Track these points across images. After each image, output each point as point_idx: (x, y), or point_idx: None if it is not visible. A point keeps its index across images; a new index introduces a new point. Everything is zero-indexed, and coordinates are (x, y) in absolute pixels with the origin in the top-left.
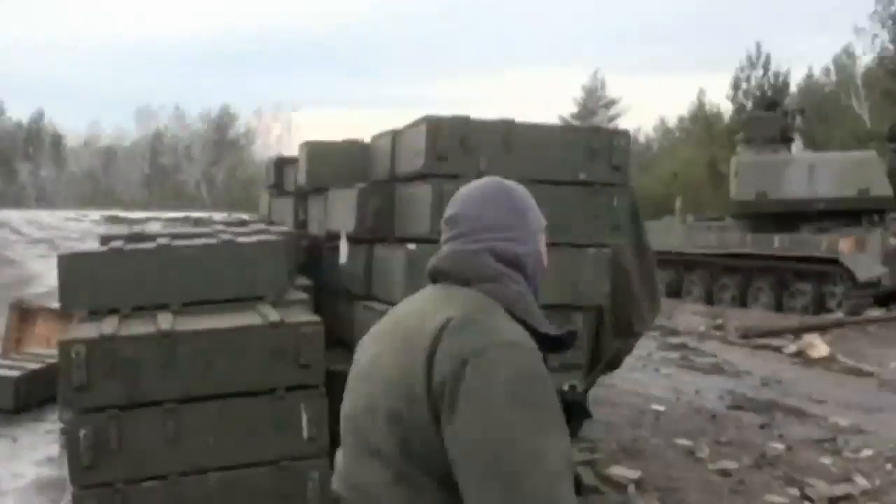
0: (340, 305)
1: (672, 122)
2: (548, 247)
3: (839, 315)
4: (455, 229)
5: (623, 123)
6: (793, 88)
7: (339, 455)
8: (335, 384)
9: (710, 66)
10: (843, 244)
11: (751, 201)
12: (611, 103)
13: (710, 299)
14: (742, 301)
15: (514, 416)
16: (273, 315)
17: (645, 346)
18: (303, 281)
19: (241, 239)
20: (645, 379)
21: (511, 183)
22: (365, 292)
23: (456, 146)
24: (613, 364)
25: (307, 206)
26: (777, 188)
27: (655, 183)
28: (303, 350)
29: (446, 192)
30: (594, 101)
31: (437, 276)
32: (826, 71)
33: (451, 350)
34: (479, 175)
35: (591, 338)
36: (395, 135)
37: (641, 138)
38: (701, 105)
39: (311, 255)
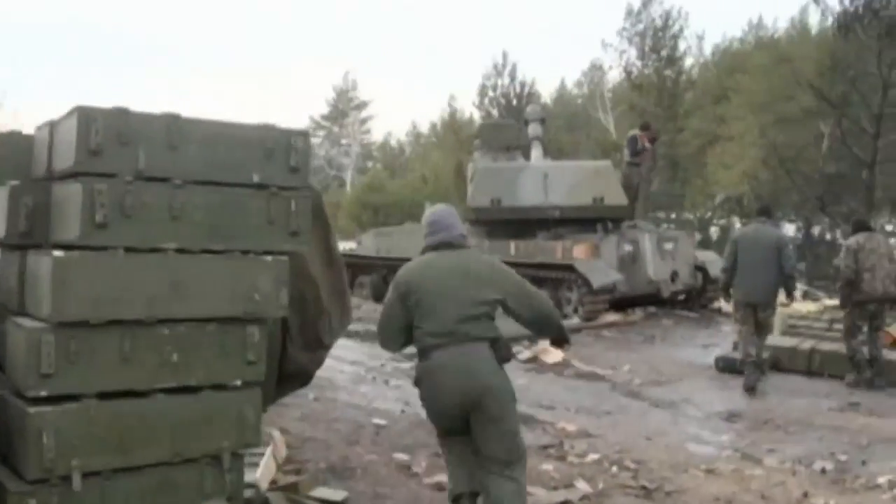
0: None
1: (425, 126)
2: (219, 254)
3: (575, 320)
4: (441, 227)
5: (376, 126)
6: (546, 98)
7: (438, 314)
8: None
9: (466, 72)
10: (578, 251)
11: (486, 207)
12: (362, 105)
13: None
14: None
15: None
16: None
17: (378, 356)
18: None
19: None
20: (372, 392)
21: (449, 207)
22: (18, 306)
23: (111, 141)
24: (304, 379)
25: None
26: (511, 195)
27: (406, 188)
28: None
29: (97, 192)
30: (345, 102)
31: (441, 247)
32: (579, 83)
33: (490, 262)
34: (138, 174)
35: (273, 351)
36: (53, 126)
37: (393, 142)
38: (452, 111)
39: None
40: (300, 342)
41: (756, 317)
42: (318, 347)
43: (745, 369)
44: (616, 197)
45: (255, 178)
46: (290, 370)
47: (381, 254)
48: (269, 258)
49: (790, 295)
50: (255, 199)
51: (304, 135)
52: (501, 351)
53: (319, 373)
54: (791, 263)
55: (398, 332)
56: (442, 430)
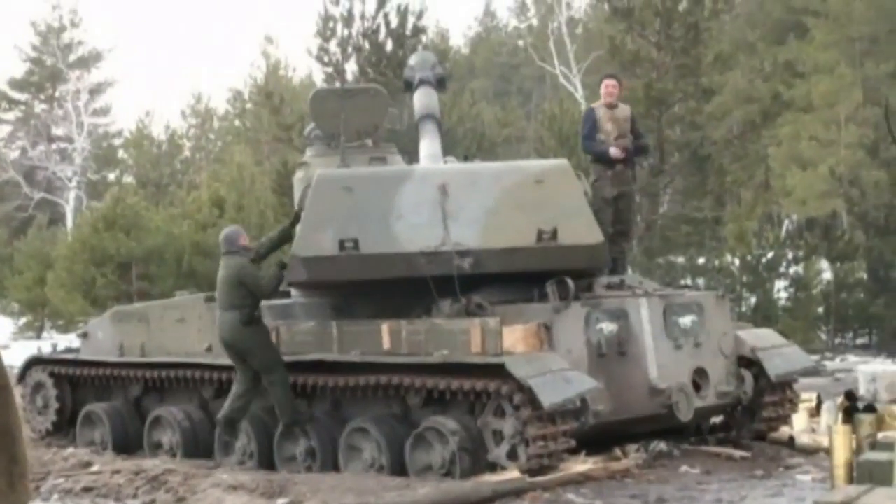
0: None
1: (218, 99)
2: None
3: (513, 472)
4: (226, 242)
5: (121, 102)
6: (455, 39)
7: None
8: None
9: None
10: (512, 337)
11: (328, 257)
12: (92, 58)
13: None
14: None
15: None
16: None
17: None
18: None
19: None
20: None
21: (235, 228)
22: None
23: None
24: None
25: None
26: (379, 232)
27: (183, 222)
28: None
29: None
30: (58, 51)
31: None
32: (518, 9)
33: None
34: None
35: None
36: None
37: (158, 129)
38: (270, 65)
39: None
40: None
41: None
42: None
43: None
44: (582, 229)
45: None
46: None
47: (130, 356)
48: None
49: None
50: None
51: None
52: (246, 314)
53: None
54: None
55: None
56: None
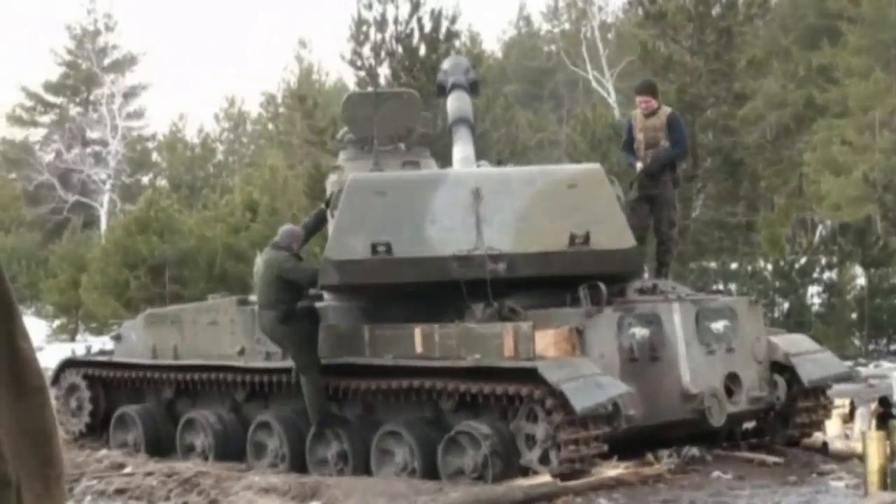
0: None
1: (251, 102)
2: None
3: (545, 477)
4: (278, 236)
5: (155, 106)
6: (489, 44)
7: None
8: None
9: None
10: (544, 342)
11: (360, 260)
12: (127, 61)
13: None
14: None
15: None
16: None
17: None
18: None
19: None
20: None
21: (293, 228)
22: None
23: None
24: None
25: None
26: (412, 236)
27: (215, 226)
28: None
29: None
30: (93, 55)
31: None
32: (550, 14)
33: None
34: None
35: None
36: None
37: (191, 132)
38: (303, 69)
39: None
40: None
41: None
42: None
43: None
44: (614, 233)
45: None
46: None
47: (162, 358)
48: None
49: None
50: None
51: None
52: (283, 311)
53: None
54: None
55: None
56: None
